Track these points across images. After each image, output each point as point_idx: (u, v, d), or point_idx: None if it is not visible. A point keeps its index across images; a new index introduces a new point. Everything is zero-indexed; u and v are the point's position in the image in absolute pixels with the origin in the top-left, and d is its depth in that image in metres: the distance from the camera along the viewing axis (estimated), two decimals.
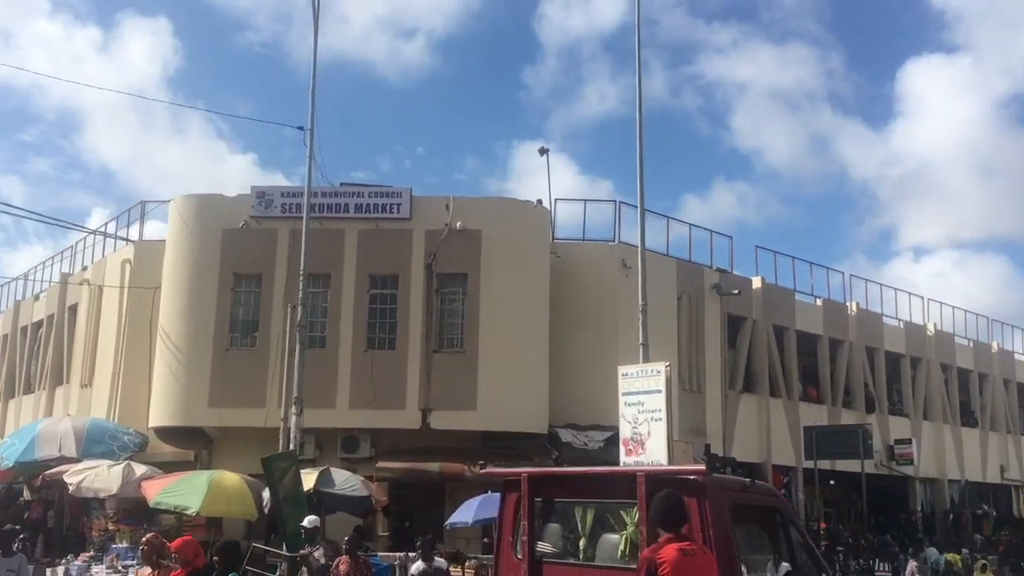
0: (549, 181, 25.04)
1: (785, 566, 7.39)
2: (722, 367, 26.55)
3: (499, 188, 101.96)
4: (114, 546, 17.33)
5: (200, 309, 22.09)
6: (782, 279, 29.52)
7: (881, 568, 25.86)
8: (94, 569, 16.61)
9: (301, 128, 19.39)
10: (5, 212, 47.74)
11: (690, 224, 27.72)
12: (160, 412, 22.00)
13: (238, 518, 18.20)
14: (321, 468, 18.53)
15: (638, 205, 17.57)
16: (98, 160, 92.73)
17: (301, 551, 13.24)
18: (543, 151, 25.96)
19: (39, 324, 30.16)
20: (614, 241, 24.50)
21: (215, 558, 7.91)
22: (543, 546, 7.64)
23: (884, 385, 32.24)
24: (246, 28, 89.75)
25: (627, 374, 13.62)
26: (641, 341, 16.41)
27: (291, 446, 17.45)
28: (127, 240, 25.95)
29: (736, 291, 26.52)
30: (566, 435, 21.60)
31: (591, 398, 21.22)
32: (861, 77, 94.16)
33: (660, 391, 13.07)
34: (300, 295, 18.54)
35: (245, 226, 22.30)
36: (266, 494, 16.39)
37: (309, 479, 17.19)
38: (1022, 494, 37.75)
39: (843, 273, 33.27)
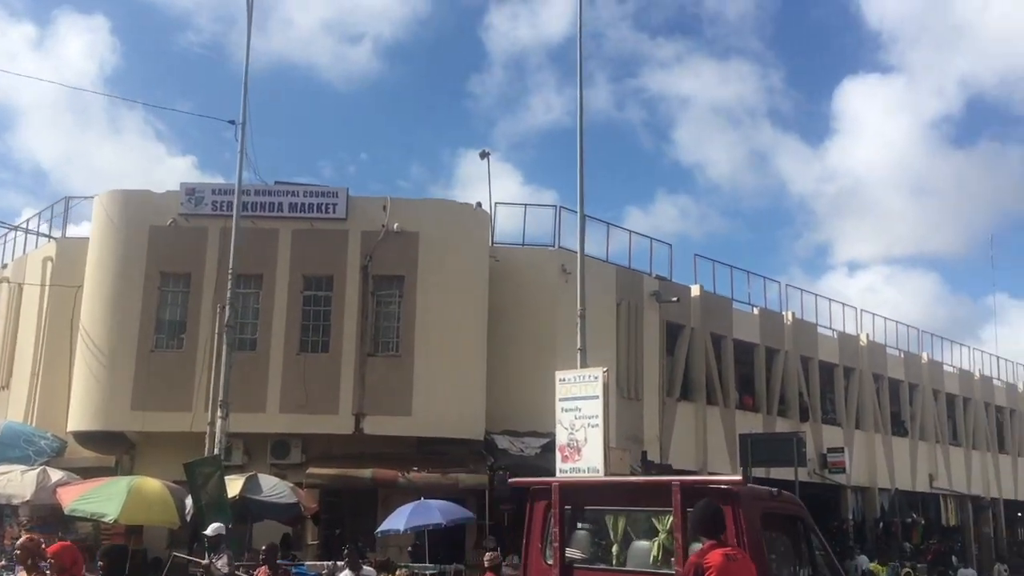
0: (490, 185, 25.02)
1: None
2: (660, 374, 26.52)
3: (443, 195, 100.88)
4: None
5: (124, 309, 21.30)
6: (720, 288, 29.67)
7: None
8: None
9: (233, 122, 18.86)
10: None
11: (630, 231, 27.65)
12: (80, 416, 21.13)
13: (159, 526, 17.65)
14: (248, 474, 17.99)
15: (578, 210, 17.40)
16: (31, 159, 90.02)
17: (203, 561, 12.75)
18: (484, 154, 25.86)
19: None
20: (554, 246, 24.27)
21: (100, 563, 7.40)
22: (572, 552, 8.15)
23: (818, 394, 32.54)
24: (186, 28, 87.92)
25: (564, 379, 13.36)
26: (579, 347, 16.22)
27: (216, 451, 16.93)
28: (49, 237, 25.01)
29: (675, 299, 26.51)
30: (503, 441, 21.30)
31: (528, 404, 20.92)
32: (800, 94, 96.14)
33: (597, 397, 12.83)
34: (228, 295, 18.08)
35: (174, 224, 21.62)
36: (189, 501, 15.85)
37: (235, 485, 16.67)
38: (951, 503, 38.42)
39: (780, 283, 33.49)
